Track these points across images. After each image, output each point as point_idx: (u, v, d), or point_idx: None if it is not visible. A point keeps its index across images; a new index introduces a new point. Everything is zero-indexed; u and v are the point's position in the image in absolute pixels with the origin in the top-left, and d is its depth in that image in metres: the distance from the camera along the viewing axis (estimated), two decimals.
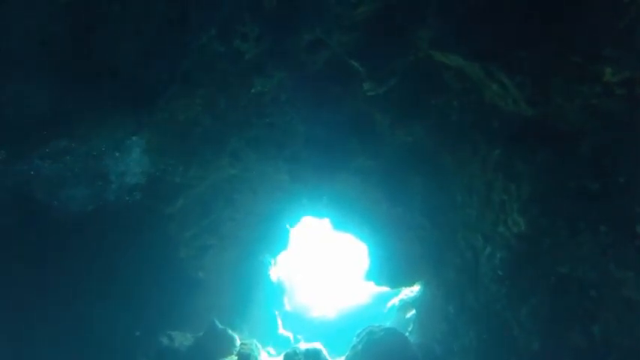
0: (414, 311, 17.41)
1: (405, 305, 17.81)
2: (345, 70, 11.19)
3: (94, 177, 12.54)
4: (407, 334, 15.57)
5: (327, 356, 14.74)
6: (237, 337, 15.60)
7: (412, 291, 18.14)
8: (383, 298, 21.58)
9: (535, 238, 9.32)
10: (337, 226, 19.09)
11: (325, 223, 19.86)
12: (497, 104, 9.58)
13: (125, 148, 12.92)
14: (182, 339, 15.07)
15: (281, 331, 20.51)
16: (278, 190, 16.78)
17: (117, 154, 12.79)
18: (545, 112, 8.49)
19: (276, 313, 21.66)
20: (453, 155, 12.60)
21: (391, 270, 16.45)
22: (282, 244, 20.57)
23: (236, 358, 14.33)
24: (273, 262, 21.19)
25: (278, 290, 22.04)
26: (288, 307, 22.98)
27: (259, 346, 15.11)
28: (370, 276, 17.74)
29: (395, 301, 20.07)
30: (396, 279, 16.38)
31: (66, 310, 13.37)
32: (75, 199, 12.53)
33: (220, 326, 15.49)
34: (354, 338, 15.27)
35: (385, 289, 21.79)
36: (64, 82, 9.90)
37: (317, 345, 15.07)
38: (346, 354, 15.00)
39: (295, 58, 10.46)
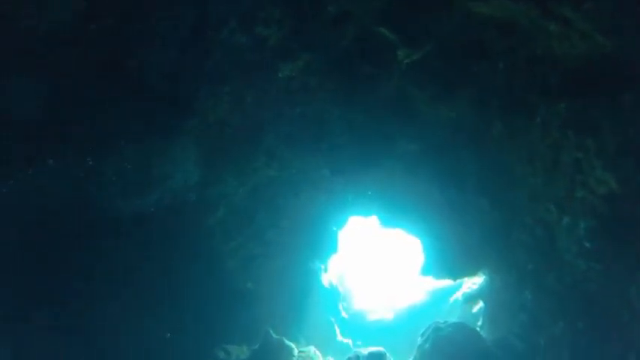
0: (481, 304, 15.99)
1: (470, 298, 16.38)
2: (376, 44, 10.39)
3: (138, 185, 12.38)
4: (477, 329, 14.23)
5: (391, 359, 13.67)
6: (294, 346, 14.83)
7: (475, 283, 16.74)
8: (443, 294, 20.21)
9: (631, 196, 7.93)
10: (386, 222, 18.08)
11: (373, 222, 19.00)
12: (556, 52, 8.41)
13: (168, 157, 12.69)
14: (238, 352, 14.48)
15: (339, 338, 19.50)
16: (321, 190, 16.06)
17: (160, 163, 12.57)
18: (628, 42, 7.20)
19: (332, 320, 20.74)
20: (504, 124, 11.45)
21: (450, 260, 15.24)
22: (331, 248, 19.71)
23: None
24: (323, 267, 20.36)
25: (332, 296, 21.11)
26: (344, 314, 21.97)
27: (318, 353, 14.24)
28: (427, 270, 16.57)
29: (457, 295, 18.66)
30: (456, 269, 15.14)
31: (117, 323, 13.12)
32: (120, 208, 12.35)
33: (276, 336, 14.79)
34: (419, 338, 14.11)
35: (443, 283, 20.60)
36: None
37: (379, 349, 14.02)
38: (413, 355, 13.85)
39: (321, 36, 9.78)
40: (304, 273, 18.87)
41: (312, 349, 14.39)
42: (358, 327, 21.22)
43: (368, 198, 16.89)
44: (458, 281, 16.37)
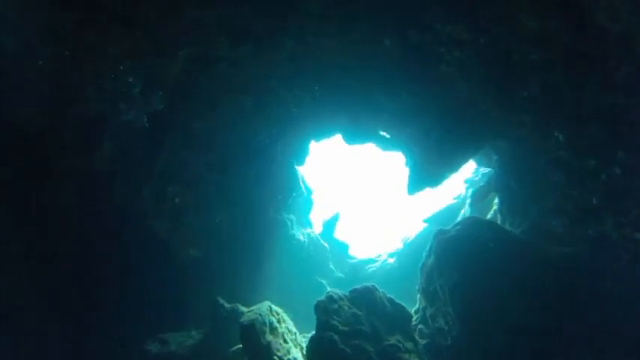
0: (496, 199, 11.84)
1: (480, 194, 12.03)
2: None
3: None
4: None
5: (383, 294, 9.55)
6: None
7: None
8: (448, 215, 16.11)
9: None
10: (352, 138, 14.12)
11: (335, 143, 14.99)
12: None
13: None
14: (183, 338, 10.34)
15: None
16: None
17: None
18: None
19: (324, 282, 16.63)
20: None
21: (440, 150, 11.09)
22: (295, 189, 15.66)
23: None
24: (293, 218, 16.26)
25: (315, 254, 17.04)
26: (339, 273, 17.87)
27: (277, 310, 10.08)
28: (414, 183, 12.50)
29: (465, 208, 14.55)
30: (451, 158, 10.98)
31: None
32: None
33: (228, 305, 10.66)
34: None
35: (443, 202, 16.63)
36: None
37: (367, 285, 9.88)
38: (419, 283, 9.76)
39: None
40: (268, 228, 14.72)
41: (265, 304, 10.09)
42: (358, 281, 17.05)
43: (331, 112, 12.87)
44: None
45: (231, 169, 12.50)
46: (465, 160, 11.01)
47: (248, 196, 13.56)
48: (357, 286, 9.65)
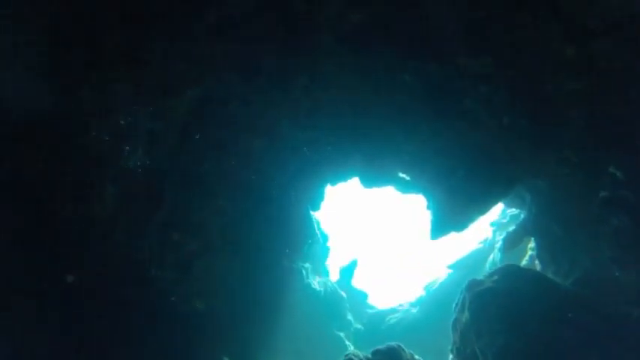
0: (532, 244, 10.73)
1: (514, 239, 10.89)
2: None
3: None
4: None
5: (411, 356, 8.37)
6: None
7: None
8: (476, 259, 14.94)
9: None
10: (370, 181, 13.40)
11: (353, 187, 14.19)
12: None
13: None
14: None
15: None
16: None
17: None
18: None
19: (342, 335, 15.38)
20: None
21: (462, 196, 10.19)
22: (311, 236, 14.75)
23: None
24: (308, 267, 15.26)
25: (332, 304, 15.86)
26: (357, 325, 16.58)
27: None
28: (437, 227, 11.59)
29: (495, 252, 13.39)
30: (474, 200, 10.05)
31: None
32: None
33: None
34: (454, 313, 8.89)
35: (470, 246, 15.48)
36: None
37: (392, 344, 8.71)
38: (451, 342, 8.57)
39: None
40: (281, 277, 13.70)
41: None
42: (378, 333, 15.72)
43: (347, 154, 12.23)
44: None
45: (242, 215, 11.69)
46: (495, 202, 10.08)
47: (260, 244, 12.65)
48: (380, 347, 8.51)
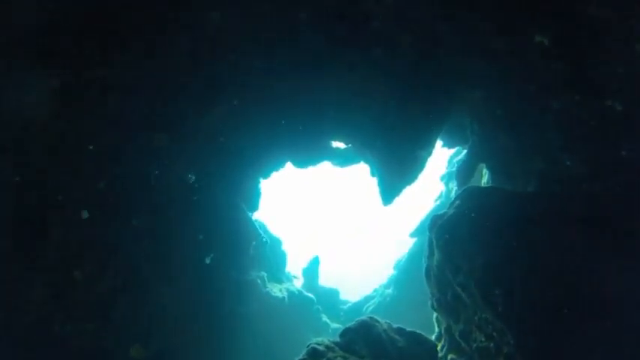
0: (485, 177, 9.72)
1: (466, 168, 9.61)
2: None
3: None
4: None
5: (388, 325, 6.97)
6: None
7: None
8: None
9: None
10: (301, 162, 12.22)
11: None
12: None
13: None
14: None
15: None
16: None
17: None
18: None
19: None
20: None
21: (402, 138, 9.08)
22: (255, 239, 13.15)
23: None
24: (262, 275, 13.62)
25: (301, 308, 14.27)
26: (333, 324, 15.05)
27: None
28: (387, 189, 10.54)
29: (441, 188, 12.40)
30: (417, 140, 8.96)
31: None
32: None
33: None
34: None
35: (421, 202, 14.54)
36: None
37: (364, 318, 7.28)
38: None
39: None
40: (230, 294, 11.92)
41: None
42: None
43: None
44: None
45: (165, 232, 9.94)
46: (437, 129, 8.99)
47: (198, 262, 10.89)
48: (351, 324, 7.07)
